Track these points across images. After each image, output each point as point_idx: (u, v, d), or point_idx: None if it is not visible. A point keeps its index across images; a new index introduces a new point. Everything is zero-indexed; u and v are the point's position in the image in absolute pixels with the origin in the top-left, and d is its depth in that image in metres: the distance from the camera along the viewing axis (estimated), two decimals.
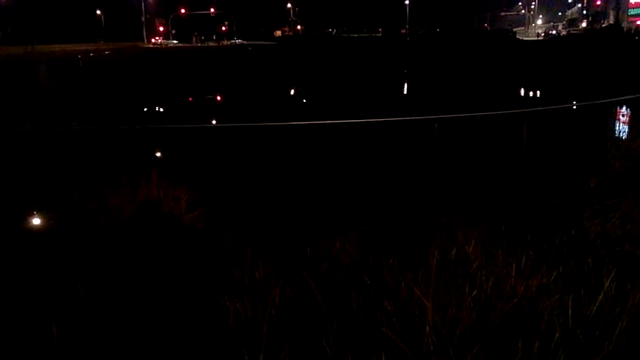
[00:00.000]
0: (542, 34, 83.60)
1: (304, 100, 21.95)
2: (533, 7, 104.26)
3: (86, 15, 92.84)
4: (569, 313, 3.06)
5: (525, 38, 73.50)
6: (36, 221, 5.85)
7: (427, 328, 2.78)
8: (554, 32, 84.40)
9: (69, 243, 4.93)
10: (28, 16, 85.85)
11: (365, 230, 5.51)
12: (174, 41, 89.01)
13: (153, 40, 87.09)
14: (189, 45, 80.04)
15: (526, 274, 3.65)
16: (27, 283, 4.12)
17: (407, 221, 5.88)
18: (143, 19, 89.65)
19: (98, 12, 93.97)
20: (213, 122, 14.93)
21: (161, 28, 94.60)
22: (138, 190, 6.08)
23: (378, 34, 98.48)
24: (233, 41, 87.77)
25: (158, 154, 9.12)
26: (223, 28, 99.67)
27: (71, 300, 3.78)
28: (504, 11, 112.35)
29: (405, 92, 24.29)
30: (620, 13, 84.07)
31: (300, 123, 9.72)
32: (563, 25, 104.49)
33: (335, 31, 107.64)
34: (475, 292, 3.35)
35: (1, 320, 3.60)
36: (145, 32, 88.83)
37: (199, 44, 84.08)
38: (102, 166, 7.23)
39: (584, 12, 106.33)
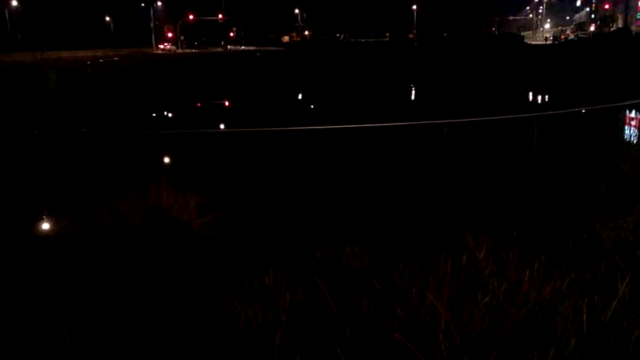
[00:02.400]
0: (551, 38, 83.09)
1: (313, 107, 21.97)
2: (541, 11, 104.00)
3: (95, 21, 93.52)
4: (584, 320, 3.02)
5: (533, 42, 73.29)
6: (47, 226, 5.87)
7: (440, 334, 2.75)
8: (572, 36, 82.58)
9: (80, 248, 4.94)
10: (38, 22, 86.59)
11: (374, 235, 5.48)
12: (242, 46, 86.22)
13: (161, 47, 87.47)
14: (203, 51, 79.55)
15: (539, 280, 3.61)
16: (38, 288, 4.13)
17: (417, 227, 5.85)
18: (152, 25, 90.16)
19: (107, 18, 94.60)
20: (222, 127, 14.98)
21: (170, 34, 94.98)
22: (148, 196, 6.08)
23: (385, 39, 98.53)
24: (233, 47, 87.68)
25: (167, 160, 9.14)
26: (231, 34, 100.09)
27: (82, 305, 3.78)
28: (512, 15, 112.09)
29: (413, 97, 24.28)
30: (629, 16, 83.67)
31: (309, 128, 9.73)
32: (572, 29, 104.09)
33: (342, 36, 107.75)
34: (487, 298, 3.32)
35: (13, 322, 3.61)
36: (153, 38, 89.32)
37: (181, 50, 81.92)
38: (112, 171, 7.24)
39: (593, 16, 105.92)
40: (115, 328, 3.50)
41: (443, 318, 2.86)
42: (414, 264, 4.01)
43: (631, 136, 10.45)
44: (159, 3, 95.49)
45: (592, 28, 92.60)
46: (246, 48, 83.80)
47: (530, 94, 22.74)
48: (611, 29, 78.13)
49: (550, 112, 11.53)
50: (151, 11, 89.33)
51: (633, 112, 12.18)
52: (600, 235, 4.62)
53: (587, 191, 6.32)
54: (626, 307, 3.25)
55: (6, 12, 77.57)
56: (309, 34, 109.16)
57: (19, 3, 79.33)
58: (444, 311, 2.88)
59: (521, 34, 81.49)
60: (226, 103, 23.10)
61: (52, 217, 5.94)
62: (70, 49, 71.08)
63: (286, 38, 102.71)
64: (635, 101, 10.40)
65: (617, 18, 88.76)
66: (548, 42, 76.81)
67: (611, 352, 2.83)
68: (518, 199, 6.60)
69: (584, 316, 3.07)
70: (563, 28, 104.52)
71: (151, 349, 3.31)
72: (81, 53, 60.77)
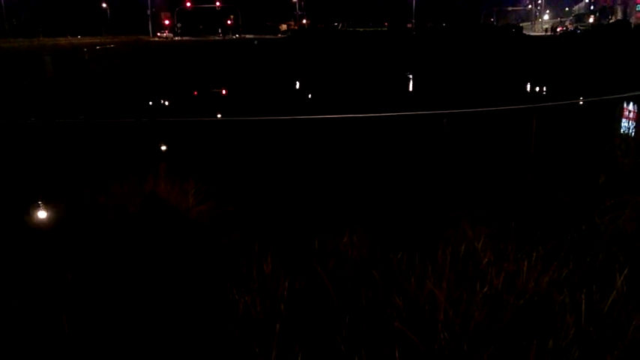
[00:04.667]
0: (551, 30, 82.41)
1: (312, 95, 21.89)
2: (540, 2, 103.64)
3: (91, 8, 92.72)
4: (582, 310, 3.03)
5: (532, 34, 73.05)
6: (45, 214, 5.84)
7: (439, 323, 2.75)
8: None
9: (77, 236, 4.93)
10: (33, 8, 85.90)
11: (373, 225, 5.47)
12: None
13: (158, 34, 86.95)
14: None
15: (537, 270, 3.62)
16: (36, 275, 4.12)
17: (415, 216, 5.85)
18: (149, 12, 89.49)
19: (104, 5, 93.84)
20: (219, 116, 14.93)
21: (167, 22, 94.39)
22: (145, 184, 6.06)
23: (384, 28, 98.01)
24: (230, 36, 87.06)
25: (165, 148, 9.11)
26: (229, 22, 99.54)
27: (79, 291, 3.78)
28: (511, 6, 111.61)
29: (411, 87, 24.24)
30: (628, 9, 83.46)
31: (308, 117, 9.70)
32: (570, 20, 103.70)
33: (341, 25, 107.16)
34: (486, 288, 3.33)
35: (12, 311, 3.61)
36: (150, 26, 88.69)
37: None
38: (109, 159, 7.22)
39: (592, 7, 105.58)
40: (113, 315, 3.50)
41: (442, 307, 2.86)
42: (413, 253, 4.01)
43: (629, 128, 10.45)
44: None
45: (591, 20, 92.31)
46: (256, 36, 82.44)
47: (530, 85, 22.72)
48: (610, 21, 77.89)
49: (549, 104, 11.53)
50: None
51: (631, 104, 12.16)
52: (599, 227, 4.63)
53: (585, 183, 6.32)
54: (624, 298, 3.26)
55: None
56: (307, 23, 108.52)
57: None
58: (443, 300, 2.88)
59: (520, 25, 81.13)
60: (224, 92, 23.02)
61: (50, 206, 5.92)
62: (66, 36, 70.65)
63: (284, 27, 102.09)
64: (633, 93, 10.39)
65: (617, 10, 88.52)
66: (548, 33, 76.21)
67: (609, 342, 2.84)
68: (517, 189, 6.61)
69: (583, 306, 3.08)
70: (562, 20, 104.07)
71: (149, 337, 3.30)
72: (77, 40, 60.40)
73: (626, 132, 9.98)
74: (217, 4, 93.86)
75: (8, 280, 4.05)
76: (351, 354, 2.79)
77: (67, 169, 7.12)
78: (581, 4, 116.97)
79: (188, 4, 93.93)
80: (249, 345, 2.97)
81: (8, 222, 5.43)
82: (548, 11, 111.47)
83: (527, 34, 69.54)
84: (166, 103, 19.30)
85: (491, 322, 2.90)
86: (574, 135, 9.72)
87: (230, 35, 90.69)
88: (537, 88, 22.44)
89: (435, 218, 5.67)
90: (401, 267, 3.81)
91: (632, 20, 69.55)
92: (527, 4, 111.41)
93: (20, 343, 3.27)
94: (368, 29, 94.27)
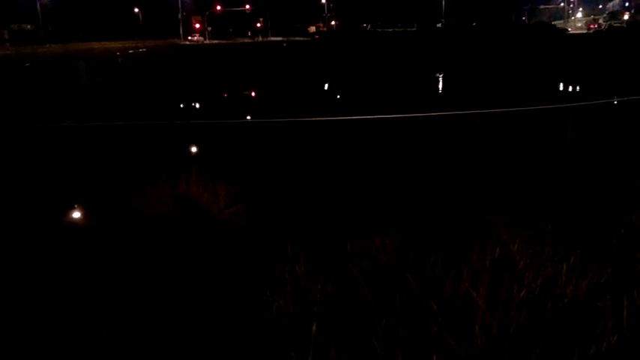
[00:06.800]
0: (595, 26, 79.80)
1: (342, 96, 21.88)
2: None
3: (124, 12, 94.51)
4: (624, 315, 2.95)
5: (570, 31, 71.54)
6: (81, 215, 5.96)
7: (477, 327, 2.71)
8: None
9: (113, 236, 5.02)
10: (68, 14, 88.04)
11: (405, 227, 5.43)
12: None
13: (189, 38, 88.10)
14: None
15: (575, 274, 3.54)
16: (74, 275, 4.20)
17: (449, 219, 5.79)
18: (180, 16, 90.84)
19: (136, 10, 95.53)
20: (249, 118, 15.05)
21: (197, 25, 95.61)
22: (178, 185, 6.13)
23: (413, 29, 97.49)
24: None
25: (197, 150, 9.21)
26: (258, 25, 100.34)
27: (117, 292, 3.84)
28: (543, 4, 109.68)
29: (441, 87, 24.05)
30: None
31: (339, 118, 9.70)
32: (604, 18, 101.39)
33: (369, 26, 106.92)
34: (523, 292, 3.26)
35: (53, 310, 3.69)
36: (181, 29, 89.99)
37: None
38: (143, 161, 7.33)
39: (626, 4, 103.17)
40: (147, 316, 3.55)
41: (480, 311, 2.81)
42: (447, 256, 3.96)
43: None
44: None
45: (626, 17, 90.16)
46: (285, 38, 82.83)
47: (563, 84, 22.30)
48: None
49: (582, 103, 11.30)
50: (179, 2, 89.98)
51: None
52: (638, 230, 4.51)
53: (622, 185, 6.17)
54: None
55: (38, 4, 79.03)
56: (335, 24, 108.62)
57: None
58: (482, 304, 2.84)
59: (552, 22, 79.71)
60: (253, 94, 23.21)
61: (86, 206, 6.04)
62: (99, 40, 72.16)
63: (312, 28, 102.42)
64: None
65: None
66: (590, 31, 74.13)
67: None
68: (553, 191, 6.48)
69: (625, 311, 3.00)
70: (596, 17, 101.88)
71: (184, 337, 3.34)
72: (110, 44, 61.62)
73: None
74: (247, 7, 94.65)
75: (49, 279, 4.14)
76: (387, 357, 2.77)
77: (102, 170, 7.25)
78: (616, 1, 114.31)
79: (218, 7, 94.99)
80: (284, 348, 2.98)
81: (47, 223, 5.56)
82: (581, 9, 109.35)
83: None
84: (198, 105, 19.53)
85: (529, 327, 2.85)
86: (610, 135, 9.50)
87: (258, 37, 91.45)
88: (570, 88, 22.00)
89: (468, 220, 5.60)
90: (435, 270, 3.77)
91: None
92: (560, 2, 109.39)
93: (60, 340, 3.35)
94: (397, 29, 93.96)
